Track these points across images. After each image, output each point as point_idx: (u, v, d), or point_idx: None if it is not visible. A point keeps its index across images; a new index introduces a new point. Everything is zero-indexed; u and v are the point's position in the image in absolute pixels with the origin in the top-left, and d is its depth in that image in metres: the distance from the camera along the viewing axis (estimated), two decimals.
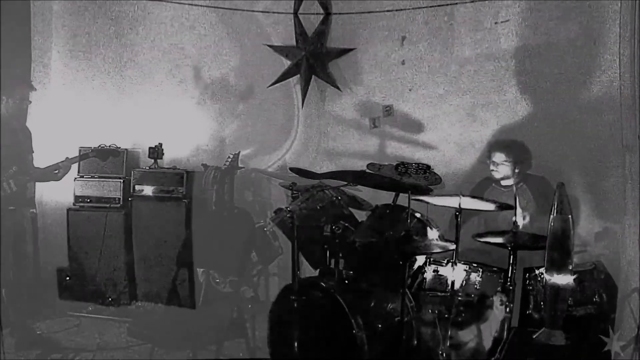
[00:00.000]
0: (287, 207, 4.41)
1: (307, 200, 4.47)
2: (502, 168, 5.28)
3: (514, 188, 4.98)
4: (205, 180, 6.08)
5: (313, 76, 6.41)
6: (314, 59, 6.38)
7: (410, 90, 6.24)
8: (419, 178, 4.62)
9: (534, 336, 3.90)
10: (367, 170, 4.64)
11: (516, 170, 5.28)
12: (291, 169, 4.92)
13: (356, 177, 4.53)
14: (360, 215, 4.86)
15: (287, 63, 6.47)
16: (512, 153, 5.29)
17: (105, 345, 5.35)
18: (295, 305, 4.19)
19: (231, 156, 6.10)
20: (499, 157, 5.30)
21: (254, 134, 6.63)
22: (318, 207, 4.63)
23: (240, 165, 6.18)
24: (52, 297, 6.09)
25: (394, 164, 4.62)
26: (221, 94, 6.65)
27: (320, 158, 6.50)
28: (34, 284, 5.78)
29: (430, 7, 6.07)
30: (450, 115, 6.15)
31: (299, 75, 6.45)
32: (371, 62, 6.34)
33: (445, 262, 4.45)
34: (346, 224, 4.57)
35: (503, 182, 5.33)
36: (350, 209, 4.85)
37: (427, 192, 4.57)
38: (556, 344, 3.82)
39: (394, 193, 4.72)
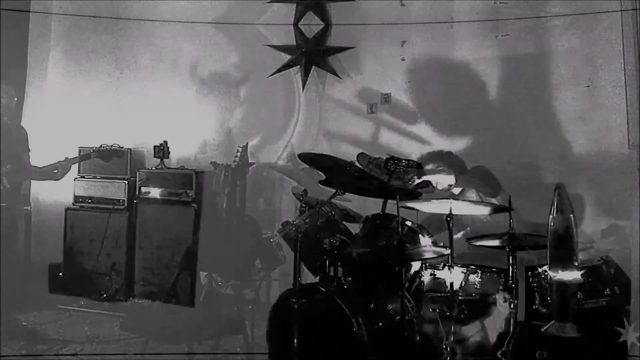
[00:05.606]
0: (293, 221, 4.48)
1: (311, 216, 4.52)
2: (440, 177, 5.14)
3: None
4: (216, 183, 5.93)
5: (313, 67, 6.47)
6: (313, 54, 6.45)
7: (409, 82, 6.29)
8: (408, 176, 4.61)
9: (543, 329, 3.89)
10: (356, 164, 4.60)
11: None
12: (299, 157, 4.93)
13: (345, 170, 4.45)
14: (354, 228, 4.89)
15: (287, 58, 6.51)
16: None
17: (95, 338, 5.28)
18: (296, 307, 4.20)
19: (240, 149, 5.96)
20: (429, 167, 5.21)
21: (258, 122, 6.62)
22: (319, 223, 4.71)
23: (250, 160, 6.08)
24: (42, 291, 6.02)
25: (385, 157, 4.59)
26: (221, 86, 6.64)
27: (320, 139, 6.52)
28: (23, 277, 5.74)
29: (430, 23, 6.15)
30: (447, 112, 6.20)
31: (299, 66, 6.49)
32: (371, 58, 6.41)
33: (442, 265, 4.43)
34: (342, 237, 4.64)
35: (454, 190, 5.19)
36: (344, 223, 4.89)
37: (415, 196, 4.58)
38: (567, 336, 3.81)
39: (381, 200, 4.71)
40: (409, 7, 6.22)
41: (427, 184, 4.92)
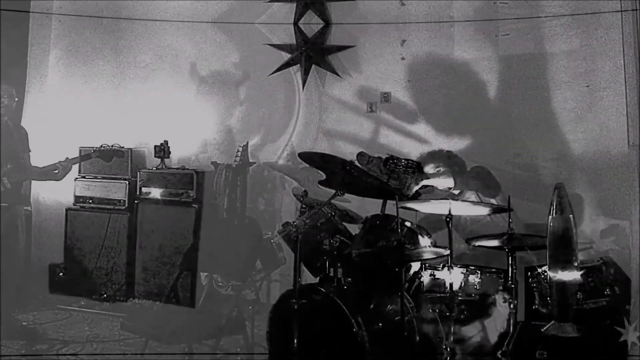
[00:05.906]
0: (293, 222, 4.49)
1: (311, 217, 4.55)
2: (440, 180, 5.10)
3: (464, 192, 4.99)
4: (216, 183, 5.92)
5: (313, 66, 6.48)
6: (313, 52, 6.46)
7: (409, 81, 6.31)
8: (407, 176, 4.63)
9: (543, 329, 3.89)
10: (355, 163, 4.61)
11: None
12: (300, 156, 4.97)
13: (344, 168, 4.47)
14: (354, 229, 4.90)
15: (287, 57, 6.53)
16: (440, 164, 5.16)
17: (95, 338, 5.29)
18: (296, 307, 4.22)
19: (240, 149, 5.95)
20: (429, 167, 5.16)
21: (258, 121, 6.63)
22: (319, 224, 4.74)
23: (251, 159, 6.08)
24: (42, 291, 6.04)
25: (384, 157, 4.59)
26: (221, 86, 6.65)
27: (320, 138, 6.53)
28: (23, 277, 5.74)
29: (430, 22, 6.18)
30: (447, 111, 6.22)
31: (299, 65, 6.51)
32: (371, 57, 6.42)
33: (441, 266, 4.43)
34: (342, 238, 4.66)
35: (453, 191, 5.15)
36: (344, 223, 4.91)
37: (414, 197, 4.60)
38: (567, 336, 3.81)
39: (381, 201, 4.72)
40: (409, 6, 6.23)
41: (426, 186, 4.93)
